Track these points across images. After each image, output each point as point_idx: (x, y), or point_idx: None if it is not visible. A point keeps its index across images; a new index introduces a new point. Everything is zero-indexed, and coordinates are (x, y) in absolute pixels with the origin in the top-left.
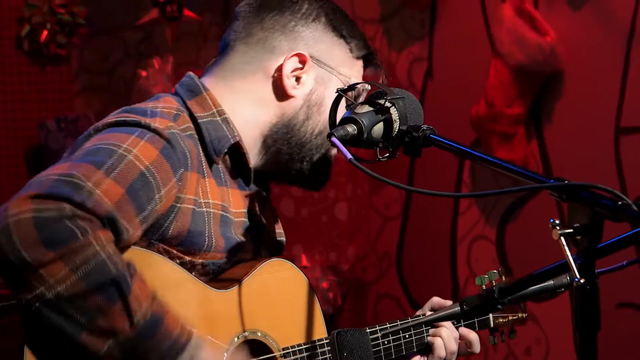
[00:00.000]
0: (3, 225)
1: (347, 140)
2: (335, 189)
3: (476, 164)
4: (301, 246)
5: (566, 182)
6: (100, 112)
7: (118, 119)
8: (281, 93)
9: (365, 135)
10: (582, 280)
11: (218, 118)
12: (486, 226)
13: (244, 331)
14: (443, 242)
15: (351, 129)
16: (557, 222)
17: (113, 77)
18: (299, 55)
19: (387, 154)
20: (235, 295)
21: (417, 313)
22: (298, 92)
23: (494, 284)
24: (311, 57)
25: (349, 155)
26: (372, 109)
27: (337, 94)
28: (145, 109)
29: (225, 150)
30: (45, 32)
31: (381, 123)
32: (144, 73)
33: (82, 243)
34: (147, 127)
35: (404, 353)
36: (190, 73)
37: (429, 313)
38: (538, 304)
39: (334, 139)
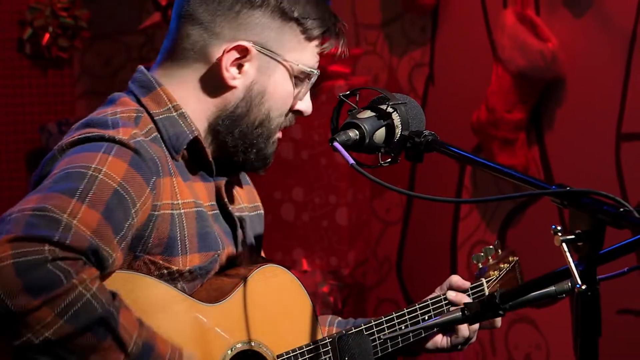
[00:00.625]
0: None
1: (349, 146)
2: (336, 194)
3: (477, 169)
4: (302, 251)
5: (568, 188)
6: None
7: (81, 135)
8: (222, 84)
9: (367, 141)
10: (583, 287)
11: (174, 113)
12: (487, 231)
13: (238, 343)
14: (443, 247)
15: (353, 134)
16: (559, 228)
17: (115, 81)
18: (238, 47)
19: (389, 159)
20: (227, 307)
21: (436, 292)
22: (239, 83)
23: (490, 261)
24: (255, 44)
25: (351, 160)
26: (374, 114)
27: (339, 99)
28: (106, 119)
29: (185, 147)
30: (47, 35)
31: (383, 128)
32: None
33: (67, 287)
34: (112, 140)
35: (411, 340)
36: (141, 67)
37: (450, 293)
38: (538, 310)
39: (336, 144)
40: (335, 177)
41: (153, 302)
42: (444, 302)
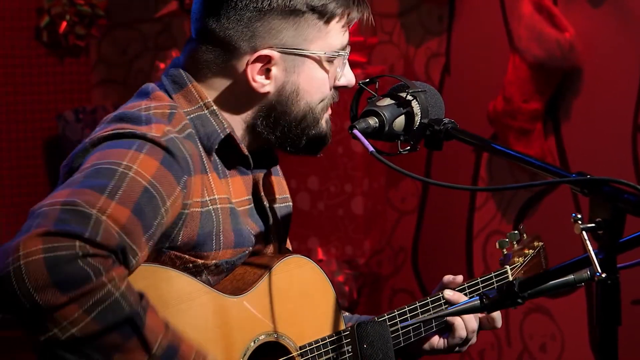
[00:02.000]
0: (15, 266)
1: (368, 133)
2: (352, 183)
3: (496, 157)
4: (317, 240)
5: (588, 176)
6: (118, 104)
7: (113, 131)
8: (252, 93)
9: (386, 128)
10: (603, 275)
11: (206, 111)
12: (502, 221)
13: (261, 334)
14: (459, 237)
15: (373, 121)
16: (580, 216)
17: (131, 70)
18: (259, 57)
19: (408, 147)
20: (250, 299)
21: (432, 294)
22: (270, 88)
23: (515, 247)
24: (275, 48)
25: (371, 148)
26: (393, 102)
27: (358, 86)
28: (139, 115)
29: (216, 147)
30: (64, 24)
31: (403, 116)
32: (162, 65)
33: (96, 285)
34: (144, 138)
35: (423, 335)
36: (176, 59)
37: (446, 292)
38: (553, 300)
39: (355, 131)
40: (351, 166)
41: (176, 295)
42: (442, 302)
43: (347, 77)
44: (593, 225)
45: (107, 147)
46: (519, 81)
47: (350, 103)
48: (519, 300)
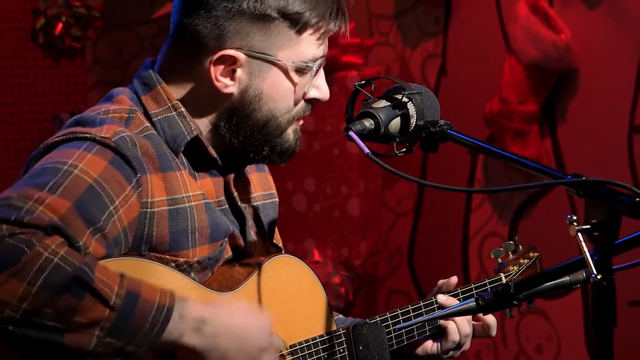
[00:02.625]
0: None
1: (364, 135)
2: (348, 184)
3: (492, 159)
4: (313, 241)
5: (584, 178)
6: None
7: (65, 136)
8: (216, 92)
9: (382, 130)
10: (599, 277)
11: (173, 113)
12: (498, 223)
13: None
14: (455, 239)
15: (368, 123)
16: (575, 217)
17: (127, 71)
18: (223, 56)
19: (404, 149)
20: (238, 297)
21: (426, 299)
22: (233, 90)
23: (510, 256)
24: (242, 50)
25: (367, 150)
26: (389, 103)
27: (354, 88)
28: (95, 117)
29: (182, 149)
30: (60, 25)
31: (398, 118)
32: None
33: (31, 255)
34: (94, 140)
35: (416, 338)
36: (147, 61)
37: (440, 297)
38: (549, 302)
39: (351, 133)
40: (347, 167)
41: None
42: (435, 306)
43: (321, 90)
44: (588, 226)
45: (57, 149)
46: (515, 82)
47: (346, 105)
48: (515, 302)
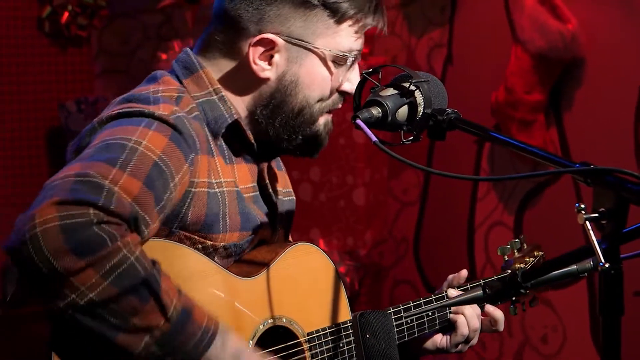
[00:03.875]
0: (31, 234)
1: (371, 123)
2: (353, 174)
3: (498, 148)
4: (319, 231)
5: (592, 166)
6: (120, 95)
7: (122, 110)
8: (254, 77)
9: (389, 118)
10: (606, 265)
11: (215, 97)
12: (504, 212)
13: (270, 318)
14: (460, 228)
15: (376, 111)
16: (583, 206)
17: (133, 60)
18: (262, 39)
19: (411, 137)
20: (260, 282)
21: (437, 292)
22: (270, 74)
23: (516, 254)
24: (280, 35)
25: (374, 138)
26: (396, 92)
27: (361, 76)
28: (148, 95)
29: (223, 131)
30: (66, 14)
31: (406, 106)
32: (164, 56)
33: (112, 249)
34: (152, 116)
35: (427, 331)
36: (187, 49)
37: (451, 292)
38: (554, 292)
39: (358, 121)
40: (353, 157)
41: (190, 272)
42: (446, 300)
43: (352, 83)
44: (596, 215)
45: (116, 124)
46: (521, 72)
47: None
48: (522, 291)
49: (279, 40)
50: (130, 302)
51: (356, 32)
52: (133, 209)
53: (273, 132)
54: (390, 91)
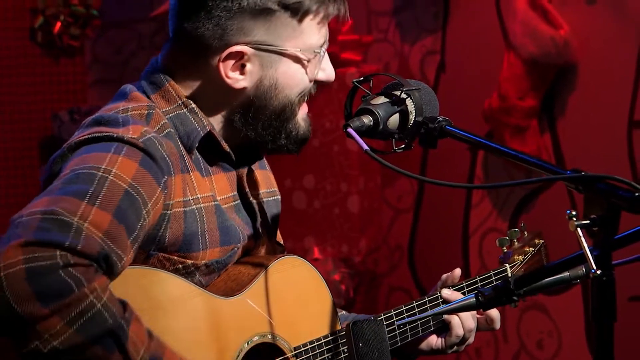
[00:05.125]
0: None
1: (362, 132)
2: (347, 181)
3: (491, 155)
4: (313, 239)
5: (583, 173)
6: None
7: (90, 135)
8: (228, 89)
9: (381, 127)
10: (598, 272)
11: (185, 110)
12: (498, 219)
13: (255, 336)
14: (455, 235)
15: (367, 120)
16: (574, 213)
17: (126, 69)
18: (230, 53)
19: (403, 146)
20: (244, 300)
21: (430, 294)
22: (245, 83)
23: (515, 244)
24: (248, 45)
25: (365, 146)
26: (387, 100)
27: (352, 85)
28: (117, 117)
29: (197, 144)
30: (58, 24)
31: (397, 114)
32: None
33: (77, 296)
34: (122, 140)
35: (421, 334)
36: (153, 60)
37: (445, 292)
38: (549, 297)
39: (350, 130)
40: (347, 164)
41: (168, 297)
42: (440, 301)
43: (327, 72)
44: (588, 222)
45: (85, 151)
46: (514, 78)
47: (344, 102)
48: (515, 298)
49: (247, 50)
50: (95, 351)
51: (319, 24)
52: (103, 245)
53: (255, 135)
54: (382, 99)
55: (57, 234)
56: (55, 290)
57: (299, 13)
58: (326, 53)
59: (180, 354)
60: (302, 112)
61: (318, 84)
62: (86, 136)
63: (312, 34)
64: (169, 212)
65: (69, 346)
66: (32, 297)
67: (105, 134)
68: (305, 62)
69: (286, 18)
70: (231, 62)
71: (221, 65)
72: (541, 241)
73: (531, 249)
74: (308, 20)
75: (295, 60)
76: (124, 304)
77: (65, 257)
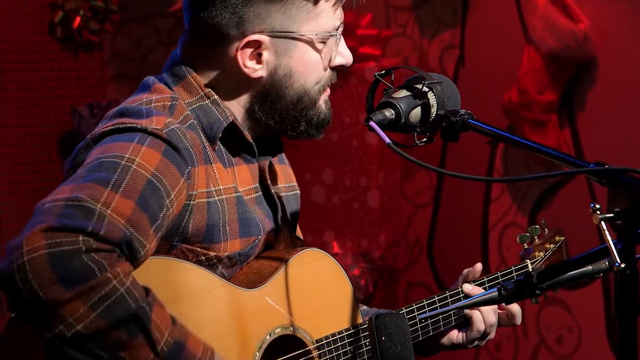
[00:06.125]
0: (18, 263)
1: (384, 125)
2: (367, 176)
3: (511, 149)
4: (332, 233)
5: (606, 166)
6: None
7: (114, 126)
8: (246, 78)
9: (402, 120)
10: (622, 265)
11: (207, 101)
12: (518, 213)
13: (277, 327)
14: (474, 230)
15: (389, 113)
16: (598, 206)
17: (145, 64)
18: (248, 42)
19: (425, 139)
20: (266, 292)
21: (451, 288)
22: (262, 73)
23: (536, 241)
24: (264, 33)
25: (387, 140)
26: (409, 93)
27: (374, 78)
28: (140, 108)
29: (220, 135)
30: (78, 19)
31: (419, 108)
32: None
33: (100, 280)
34: (145, 131)
35: (442, 328)
36: (173, 53)
37: (467, 287)
38: (569, 292)
39: (372, 123)
40: (366, 159)
41: (191, 288)
42: (461, 296)
43: (344, 56)
44: (612, 215)
45: (109, 141)
46: (534, 72)
47: (364, 96)
48: (537, 292)
49: (264, 38)
50: (119, 335)
51: (333, 6)
52: (126, 232)
53: (275, 125)
54: (403, 93)
55: (80, 219)
56: (78, 274)
57: None
58: (342, 37)
59: (202, 339)
60: (324, 97)
61: (337, 70)
62: (110, 127)
63: (327, 16)
64: (192, 202)
65: (92, 330)
66: (55, 281)
67: (129, 125)
68: (321, 47)
69: (301, 1)
70: (249, 50)
71: (239, 55)
72: (562, 238)
73: (552, 245)
74: (323, 2)
75: (311, 45)
76: (146, 290)
77: (88, 242)
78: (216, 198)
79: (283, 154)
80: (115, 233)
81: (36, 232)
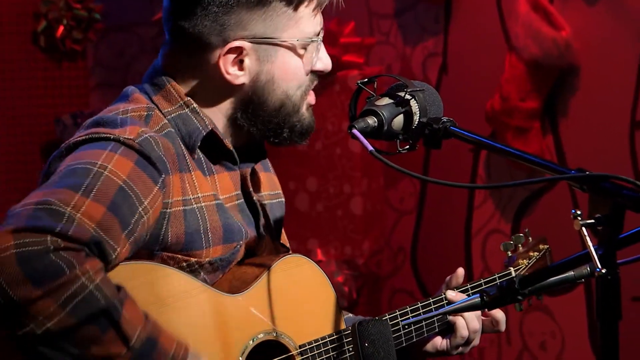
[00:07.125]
0: None
1: (367, 133)
2: (350, 183)
3: (494, 156)
4: (316, 240)
5: (587, 172)
6: None
7: (88, 135)
8: (228, 84)
9: (385, 128)
10: (603, 271)
11: (186, 110)
12: (501, 220)
13: (260, 333)
14: (458, 237)
15: (372, 121)
16: (579, 212)
17: (129, 73)
18: (230, 49)
19: (407, 146)
20: (249, 297)
21: (435, 295)
22: (244, 79)
23: (520, 249)
24: (246, 39)
25: (370, 147)
26: (392, 101)
27: (357, 86)
28: (115, 117)
29: (199, 144)
30: (61, 28)
31: (401, 115)
32: None
33: (69, 278)
34: (118, 140)
35: (426, 335)
36: (155, 62)
37: (450, 294)
38: (552, 298)
39: (355, 131)
40: (350, 166)
41: (173, 293)
42: (444, 303)
43: (323, 62)
44: (592, 221)
45: (82, 149)
46: (516, 80)
47: (347, 104)
48: (519, 297)
49: (246, 45)
50: (90, 331)
51: (314, 11)
52: (94, 234)
53: (257, 132)
54: (386, 100)
55: (49, 220)
56: (47, 273)
57: (294, 1)
58: (322, 43)
59: (176, 336)
60: (307, 102)
61: (318, 75)
62: (84, 136)
63: (307, 21)
64: (168, 210)
65: (62, 327)
66: (25, 280)
67: (103, 134)
68: (302, 52)
69: (282, 7)
70: (231, 57)
71: (221, 62)
72: (546, 246)
73: (536, 253)
74: (303, 7)
75: (292, 51)
76: (118, 287)
77: (56, 241)
78: (194, 206)
79: (268, 161)
80: (84, 233)
81: (4, 233)
